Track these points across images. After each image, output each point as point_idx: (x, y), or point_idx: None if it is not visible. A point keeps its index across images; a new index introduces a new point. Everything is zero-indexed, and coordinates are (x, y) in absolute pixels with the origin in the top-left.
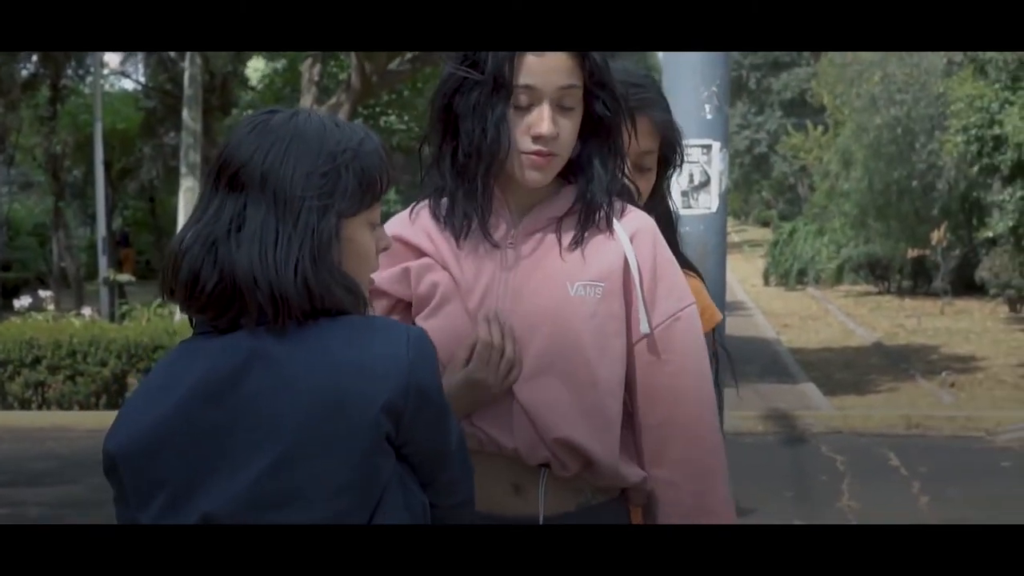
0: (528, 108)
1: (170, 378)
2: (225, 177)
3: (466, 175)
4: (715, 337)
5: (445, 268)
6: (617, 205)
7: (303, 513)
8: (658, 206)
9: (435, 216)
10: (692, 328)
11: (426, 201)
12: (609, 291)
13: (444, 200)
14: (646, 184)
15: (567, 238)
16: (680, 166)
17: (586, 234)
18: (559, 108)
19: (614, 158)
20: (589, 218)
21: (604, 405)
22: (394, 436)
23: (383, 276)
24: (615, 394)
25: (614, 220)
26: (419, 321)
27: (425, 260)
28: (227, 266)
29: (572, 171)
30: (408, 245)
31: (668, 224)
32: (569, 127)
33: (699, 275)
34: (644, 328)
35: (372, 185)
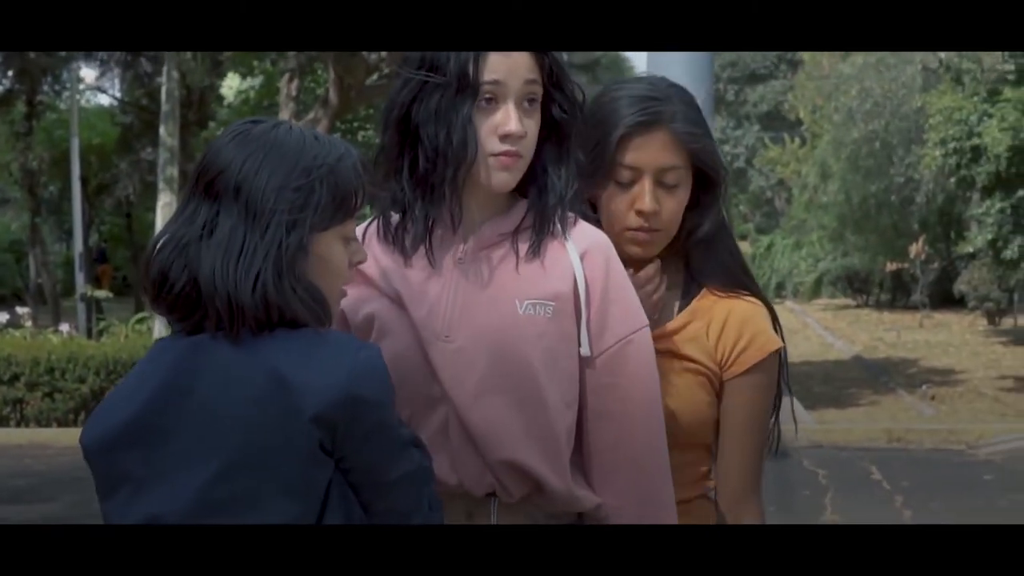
0: (493, 108)
1: (142, 376)
2: (203, 183)
3: (428, 185)
4: (780, 366)
5: (387, 291)
6: (571, 220)
7: (246, 521)
8: (703, 227)
9: (383, 234)
10: (644, 352)
11: (374, 222)
12: (560, 310)
13: (395, 216)
14: (673, 203)
15: (518, 254)
16: (723, 183)
17: (538, 250)
18: (523, 108)
19: (568, 167)
20: (541, 233)
21: (553, 427)
22: (329, 447)
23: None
24: (565, 416)
25: (566, 236)
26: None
27: (362, 291)
28: (193, 270)
29: (524, 183)
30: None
31: (723, 248)
32: (533, 127)
33: (764, 300)
34: (585, 351)
35: (346, 201)
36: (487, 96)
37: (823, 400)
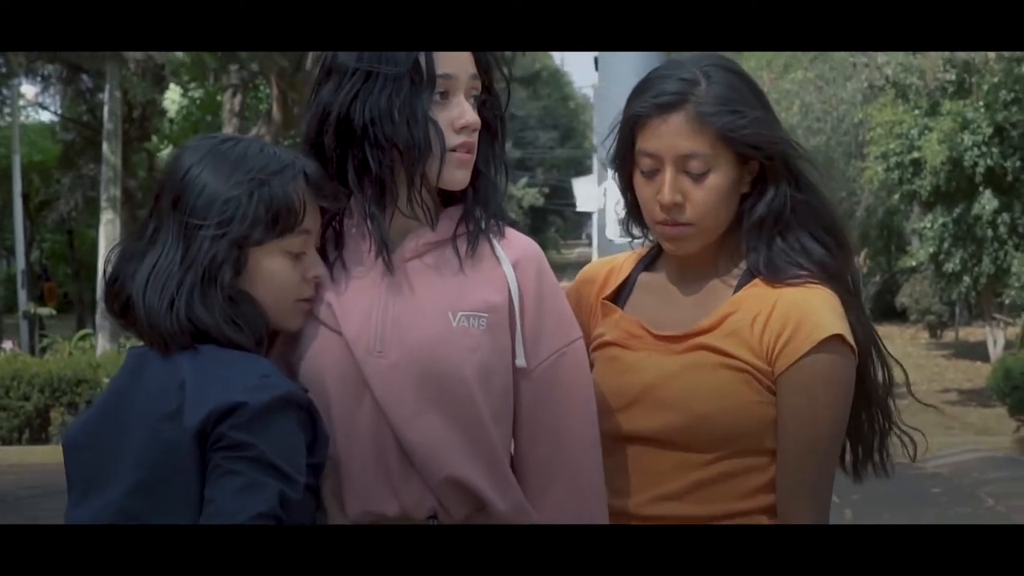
0: (445, 103)
1: (110, 382)
2: (155, 194)
3: (379, 186)
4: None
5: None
6: (500, 227)
7: None
8: (756, 212)
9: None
10: (578, 364)
11: None
12: (494, 322)
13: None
14: (702, 193)
15: (450, 263)
16: (778, 162)
17: (471, 260)
18: (471, 100)
19: (500, 169)
20: (475, 241)
21: (491, 442)
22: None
23: None
24: (501, 431)
25: (497, 245)
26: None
27: None
28: (129, 281)
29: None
30: None
31: (787, 235)
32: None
33: (841, 292)
34: (521, 362)
35: (284, 214)
36: (440, 90)
37: None
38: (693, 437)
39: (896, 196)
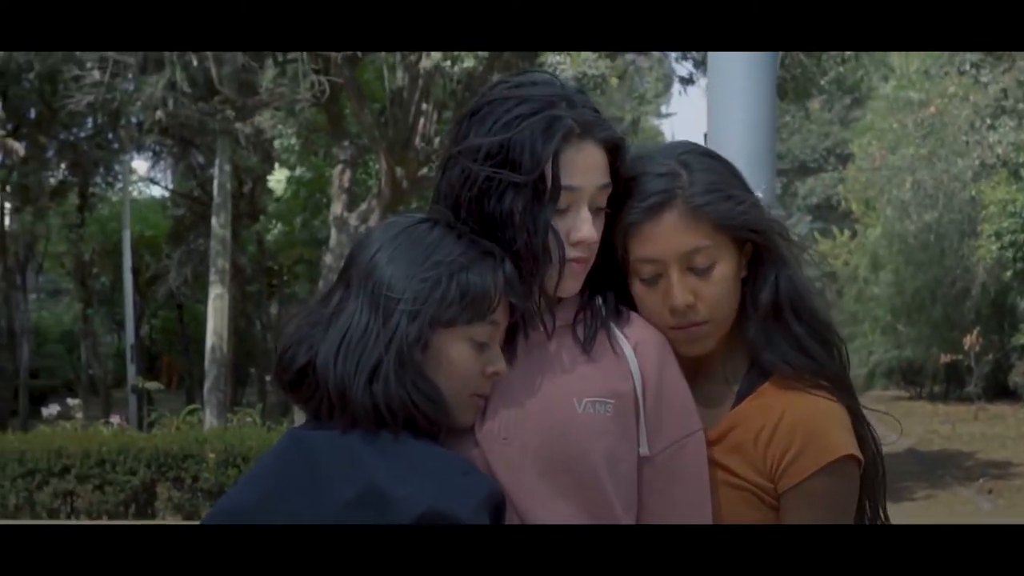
0: (565, 212)
1: (266, 459)
2: (344, 268)
3: None
4: (868, 481)
5: None
6: (624, 313)
7: None
8: (761, 299)
9: None
10: (697, 458)
11: None
12: (620, 409)
13: None
14: (712, 288)
15: (572, 350)
16: (776, 244)
17: (592, 345)
18: (593, 211)
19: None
20: (594, 326)
21: None
22: None
23: None
24: (631, 521)
25: (617, 331)
26: None
27: None
28: (314, 350)
29: None
30: None
31: (792, 322)
32: (599, 228)
33: (844, 388)
34: (644, 450)
35: (477, 301)
36: (562, 205)
37: None
38: None
39: (1009, 273)
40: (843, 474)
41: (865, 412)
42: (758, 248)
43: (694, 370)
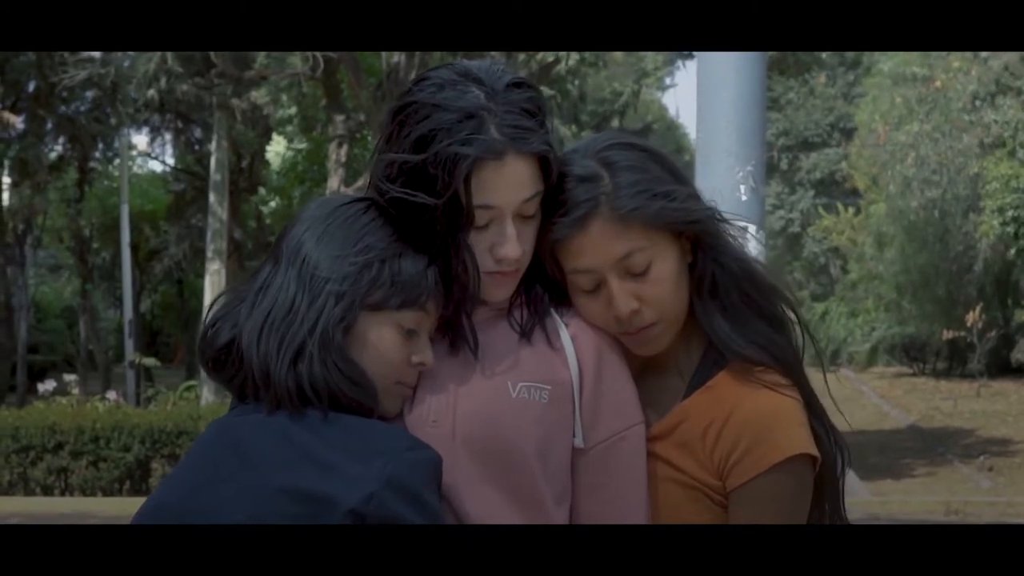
0: (486, 228)
1: (195, 449)
2: (276, 244)
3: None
4: (826, 480)
5: None
6: (564, 303)
7: None
8: (702, 287)
9: None
10: (635, 453)
11: None
12: (557, 396)
13: None
14: (656, 288)
15: (509, 335)
16: (708, 231)
17: (531, 330)
18: (520, 220)
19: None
20: (533, 313)
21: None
22: None
23: None
24: (558, 517)
25: (559, 319)
26: None
27: None
28: (238, 328)
29: None
30: None
31: (735, 305)
32: (531, 235)
33: (797, 380)
34: (579, 442)
35: (409, 288)
36: (481, 223)
37: (878, 471)
38: None
39: (1012, 250)
40: (793, 474)
41: (825, 403)
42: (698, 237)
43: (644, 361)
